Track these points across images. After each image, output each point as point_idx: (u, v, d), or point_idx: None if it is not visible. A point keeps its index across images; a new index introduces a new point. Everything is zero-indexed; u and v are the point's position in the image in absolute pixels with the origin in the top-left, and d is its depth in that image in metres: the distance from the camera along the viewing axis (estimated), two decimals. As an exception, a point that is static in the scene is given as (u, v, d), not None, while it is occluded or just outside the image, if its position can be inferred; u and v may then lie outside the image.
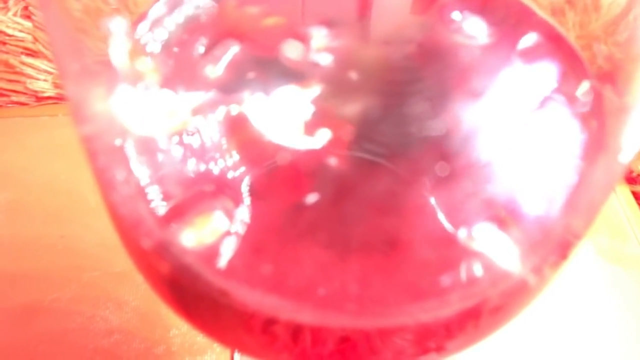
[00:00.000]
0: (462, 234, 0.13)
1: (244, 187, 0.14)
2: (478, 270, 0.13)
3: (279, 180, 0.14)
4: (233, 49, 0.15)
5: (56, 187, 0.36)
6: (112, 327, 0.31)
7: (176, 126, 0.14)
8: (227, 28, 0.16)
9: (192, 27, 0.16)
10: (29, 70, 0.40)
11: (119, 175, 0.12)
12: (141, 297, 0.32)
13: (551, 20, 0.16)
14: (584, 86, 0.15)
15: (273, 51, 0.16)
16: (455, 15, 0.16)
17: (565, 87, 0.15)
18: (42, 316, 0.31)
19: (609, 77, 0.15)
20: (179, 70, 0.15)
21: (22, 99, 0.40)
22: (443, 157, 0.14)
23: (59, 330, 0.31)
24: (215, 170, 0.14)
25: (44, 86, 0.40)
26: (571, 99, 0.15)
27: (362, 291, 0.13)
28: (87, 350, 0.30)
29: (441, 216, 0.13)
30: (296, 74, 0.15)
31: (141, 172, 0.13)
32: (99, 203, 0.36)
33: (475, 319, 0.14)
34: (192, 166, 0.14)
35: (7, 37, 0.41)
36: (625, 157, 0.13)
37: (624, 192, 0.36)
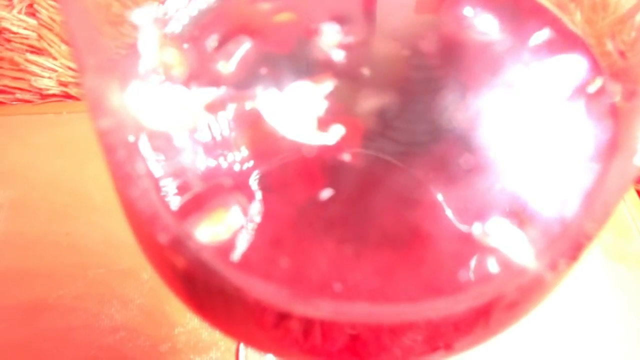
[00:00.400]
0: (476, 230, 0.13)
1: (258, 183, 0.14)
2: (493, 266, 0.13)
3: (292, 176, 0.14)
4: (245, 45, 0.16)
5: (61, 185, 0.36)
6: (117, 325, 0.31)
7: (190, 122, 0.14)
8: (239, 24, 0.16)
9: (204, 23, 0.16)
10: (34, 68, 0.40)
11: (138, 169, 0.12)
12: (146, 295, 0.32)
13: (564, 17, 0.16)
14: (597, 84, 0.15)
15: (285, 47, 0.16)
16: (467, 11, 0.16)
17: (579, 86, 0.15)
18: (47, 313, 0.31)
19: (623, 75, 0.15)
20: (192, 66, 0.15)
21: (27, 96, 0.40)
22: (455, 155, 0.14)
23: (64, 327, 0.31)
24: (230, 166, 0.14)
25: (49, 84, 0.40)
26: (586, 98, 0.15)
27: (376, 287, 0.13)
28: (92, 347, 0.30)
29: (454, 213, 0.13)
30: (309, 70, 0.15)
31: (157, 167, 0.13)
32: (104, 200, 0.36)
33: (486, 316, 0.14)
34: (207, 162, 0.14)
35: (11, 35, 0.41)
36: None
37: (629, 191, 0.36)
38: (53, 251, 0.33)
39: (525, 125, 0.15)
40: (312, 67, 0.15)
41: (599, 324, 0.31)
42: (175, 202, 0.13)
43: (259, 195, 0.14)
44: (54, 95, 0.40)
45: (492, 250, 0.13)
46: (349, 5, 0.17)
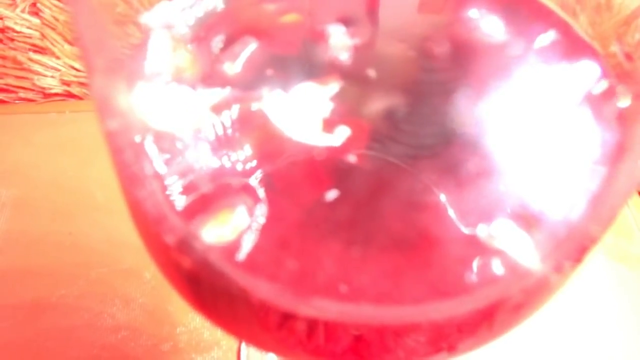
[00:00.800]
0: (482, 232, 0.13)
1: (264, 184, 0.14)
2: (498, 268, 0.13)
3: (298, 177, 0.14)
4: (251, 46, 0.16)
5: (63, 184, 0.36)
6: (119, 324, 0.31)
7: (197, 123, 0.14)
8: (245, 25, 0.16)
9: (210, 24, 0.16)
10: (37, 67, 0.40)
11: (144, 170, 0.12)
12: (148, 295, 0.32)
13: (569, 19, 0.16)
14: (603, 86, 0.15)
15: (291, 48, 0.16)
16: (473, 13, 0.16)
17: (584, 87, 0.15)
18: (50, 312, 0.31)
19: (628, 77, 0.15)
20: (199, 67, 0.15)
21: (30, 95, 0.40)
22: (462, 157, 0.14)
23: (66, 326, 0.31)
24: (236, 167, 0.14)
25: (52, 83, 0.40)
26: (589, 99, 0.15)
27: (382, 289, 0.13)
28: (94, 346, 0.30)
29: (460, 215, 0.13)
30: (314, 71, 0.15)
31: (164, 168, 0.13)
32: (107, 200, 0.36)
33: (490, 318, 0.14)
34: (213, 162, 0.14)
35: (15, 34, 0.41)
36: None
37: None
38: (56, 250, 0.33)
39: (531, 128, 0.15)
40: (317, 68, 0.15)
41: (601, 324, 0.31)
42: (181, 202, 0.13)
43: (264, 196, 0.14)
44: (56, 94, 0.40)
45: (497, 253, 0.13)
46: (355, 6, 0.17)
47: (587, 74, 0.15)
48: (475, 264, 0.13)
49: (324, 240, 0.13)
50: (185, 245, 0.12)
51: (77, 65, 0.40)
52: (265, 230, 0.13)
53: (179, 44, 0.15)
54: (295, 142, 0.14)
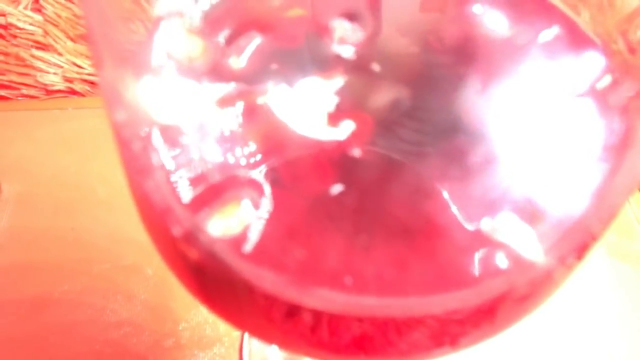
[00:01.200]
0: (485, 225, 0.13)
1: (269, 177, 0.14)
2: (502, 261, 0.13)
3: (303, 170, 0.14)
4: (256, 41, 0.16)
5: (66, 180, 0.36)
6: (122, 320, 0.31)
7: (203, 116, 0.14)
8: (250, 20, 0.16)
9: (215, 19, 0.16)
10: (39, 64, 0.40)
11: (152, 162, 0.13)
12: (150, 290, 0.32)
13: (572, 15, 0.16)
14: (606, 81, 0.15)
15: (296, 43, 0.16)
16: (476, 8, 0.16)
17: (587, 82, 0.15)
18: (52, 308, 0.32)
19: (632, 72, 0.15)
20: (205, 61, 0.15)
21: (32, 92, 0.40)
22: (465, 151, 0.14)
23: (69, 322, 0.31)
24: (241, 160, 0.14)
25: (54, 79, 0.40)
26: (593, 94, 0.15)
27: (386, 281, 0.13)
28: (96, 342, 0.31)
29: (464, 209, 0.14)
30: (319, 66, 0.15)
31: (171, 160, 0.13)
32: (109, 196, 0.36)
33: (493, 312, 0.14)
34: (219, 156, 0.14)
35: (17, 30, 0.41)
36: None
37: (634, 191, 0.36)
38: (58, 246, 0.34)
39: (535, 122, 0.15)
40: (322, 62, 0.16)
41: (602, 322, 0.31)
42: (188, 195, 0.13)
43: (269, 189, 0.14)
44: (59, 91, 0.40)
45: (501, 246, 0.13)
46: (359, 1, 0.17)
47: (591, 69, 0.15)
48: (479, 257, 0.13)
49: (328, 233, 0.14)
50: (192, 237, 0.13)
51: (79, 62, 0.40)
52: (270, 222, 0.13)
53: (186, 38, 0.15)
54: (300, 136, 0.14)
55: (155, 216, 0.13)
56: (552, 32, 0.16)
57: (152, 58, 0.14)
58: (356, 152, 0.14)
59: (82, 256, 0.33)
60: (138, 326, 0.31)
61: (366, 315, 0.13)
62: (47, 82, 0.40)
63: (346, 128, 0.14)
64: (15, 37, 0.41)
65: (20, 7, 0.42)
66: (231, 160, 0.14)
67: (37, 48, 0.41)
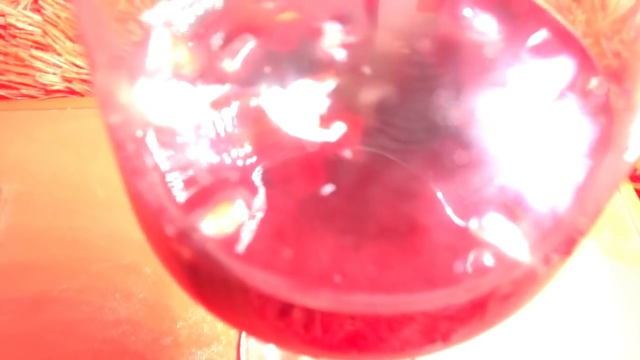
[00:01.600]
0: (472, 224, 0.13)
1: (261, 177, 0.14)
2: (488, 259, 0.13)
3: (295, 171, 0.15)
4: (250, 44, 0.16)
5: (65, 180, 0.36)
6: (120, 318, 0.31)
7: (196, 118, 0.14)
8: (244, 23, 0.16)
9: (209, 22, 0.16)
10: (39, 64, 0.40)
11: (146, 163, 0.13)
12: (149, 289, 0.32)
13: (560, 18, 0.16)
14: (593, 83, 0.15)
15: (289, 46, 0.16)
16: (467, 12, 0.17)
17: (574, 84, 0.15)
18: (51, 306, 0.32)
19: (617, 75, 0.15)
20: (199, 64, 0.15)
21: (32, 92, 0.40)
22: (453, 151, 0.15)
23: (68, 320, 0.31)
24: (234, 161, 0.14)
25: (53, 80, 0.40)
26: (580, 96, 0.15)
27: (375, 279, 0.13)
28: (95, 340, 0.31)
29: (451, 208, 0.14)
30: (311, 68, 0.16)
31: (164, 161, 0.13)
32: (108, 195, 0.36)
33: (481, 309, 0.14)
34: (212, 157, 0.14)
35: (17, 31, 0.41)
36: (631, 155, 0.13)
37: (627, 190, 0.36)
38: (57, 245, 0.34)
39: (520, 123, 0.15)
40: (314, 65, 0.16)
41: (598, 322, 0.31)
42: (181, 195, 0.13)
43: (262, 189, 0.14)
44: (58, 91, 0.40)
45: (487, 244, 0.13)
46: (352, 4, 0.17)
47: (576, 71, 0.16)
48: (465, 255, 0.13)
49: (319, 233, 0.14)
50: (185, 236, 0.13)
51: (78, 62, 0.41)
52: (262, 223, 0.13)
53: (179, 41, 0.15)
54: (292, 137, 0.15)
55: (150, 216, 0.13)
56: (540, 35, 0.16)
57: (146, 61, 0.15)
58: (347, 153, 0.14)
59: (81, 255, 0.33)
60: (136, 324, 0.32)
61: (357, 312, 0.13)
62: (46, 82, 0.40)
63: (337, 130, 0.15)
64: (14, 37, 0.41)
65: (20, 8, 0.42)
66: (224, 161, 0.14)
67: (36, 48, 0.41)
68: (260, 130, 0.15)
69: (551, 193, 0.14)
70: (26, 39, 0.41)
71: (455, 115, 0.15)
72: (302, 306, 0.13)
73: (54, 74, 0.40)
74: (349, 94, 0.15)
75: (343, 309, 0.13)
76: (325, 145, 0.15)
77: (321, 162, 0.14)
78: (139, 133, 0.13)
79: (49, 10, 0.42)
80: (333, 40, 0.16)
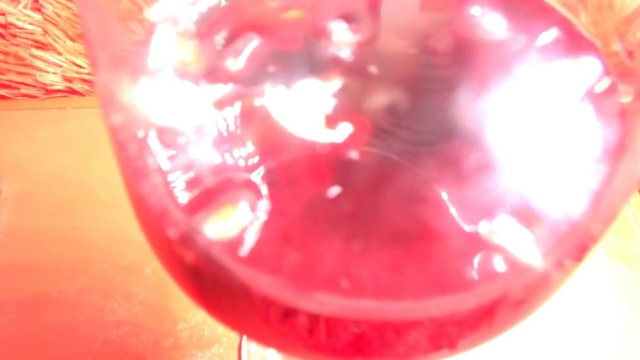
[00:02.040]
0: (483, 229, 0.13)
1: (266, 179, 0.14)
2: (499, 264, 0.13)
3: (300, 173, 0.14)
4: (254, 42, 0.16)
5: (65, 180, 0.36)
6: (121, 319, 0.31)
7: (200, 118, 0.14)
8: (248, 21, 0.16)
9: (213, 20, 0.16)
10: (39, 63, 0.40)
11: (148, 164, 0.12)
12: (149, 290, 0.32)
13: (571, 17, 0.16)
14: (604, 84, 0.15)
15: (293, 44, 0.16)
16: (475, 10, 0.16)
17: (585, 85, 0.15)
18: (51, 307, 0.32)
19: (630, 75, 0.15)
20: (202, 62, 0.15)
21: (32, 91, 0.40)
22: (463, 154, 0.14)
23: (68, 321, 0.31)
24: (238, 162, 0.14)
25: (54, 79, 0.40)
26: (593, 98, 0.15)
27: (383, 284, 0.13)
28: (95, 341, 0.31)
29: (461, 212, 0.13)
30: (316, 68, 0.15)
31: (167, 162, 0.13)
32: (108, 195, 0.36)
33: (491, 315, 0.14)
34: (216, 158, 0.14)
35: (17, 30, 0.41)
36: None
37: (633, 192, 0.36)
38: (57, 246, 0.34)
39: (533, 125, 0.15)
40: (320, 64, 0.15)
41: (601, 324, 0.31)
42: (184, 197, 0.13)
43: (266, 191, 0.14)
44: (58, 90, 0.40)
45: (498, 249, 0.13)
46: (357, 3, 0.17)
47: (589, 72, 0.15)
48: (476, 260, 0.13)
49: (325, 236, 0.14)
50: (188, 239, 0.12)
51: (79, 62, 0.40)
52: (267, 225, 0.13)
53: (183, 40, 0.15)
54: (297, 138, 0.14)
55: (152, 218, 0.13)
56: (550, 34, 0.16)
57: (148, 60, 0.14)
58: (353, 155, 0.14)
59: (81, 256, 0.33)
60: (137, 326, 0.31)
61: (363, 318, 0.13)
62: (46, 82, 0.40)
63: (344, 130, 0.14)
64: (14, 36, 0.41)
65: (20, 7, 0.42)
66: (228, 162, 0.14)
67: (37, 47, 0.41)
68: (264, 130, 0.14)
69: (565, 198, 0.14)
70: (26, 38, 0.41)
71: (466, 117, 0.15)
72: (307, 311, 0.13)
73: (54, 73, 0.40)
74: (355, 94, 0.15)
75: (349, 314, 0.13)
76: (331, 146, 0.14)
77: (327, 163, 0.14)
78: (141, 133, 0.13)
79: (49, 9, 0.42)
80: (339, 39, 0.16)
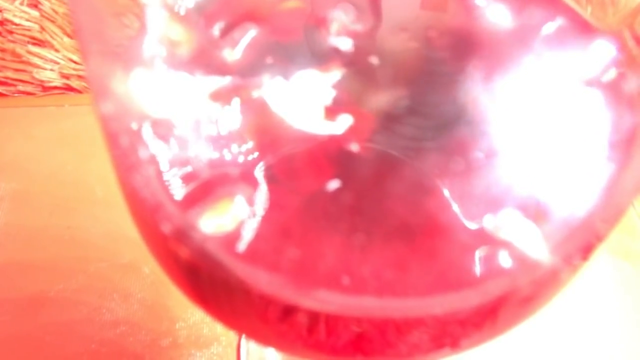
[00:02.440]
0: (488, 223, 0.13)
1: (264, 173, 0.13)
2: (505, 260, 0.12)
3: (299, 166, 0.14)
4: (251, 33, 0.15)
5: (63, 178, 0.36)
6: (118, 319, 0.31)
7: (195, 110, 0.14)
8: (245, 11, 0.16)
9: (210, 10, 0.16)
10: (36, 60, 0.40)
11: (141, 157, 0.12)
12: (147, 289, 0.32)
13: (577, 7, 0.16)
14: (612, 73, 0.14)
15: (292, 35, 0.15)
16: (478, 1, 0.16)
17: (592, 75, 0.15)
18: (48, 306, 0.31)
19: (638, 64, 0.14)
20: (197, 51, 0.15)
21: (29, 88, 0.39)
22: (466, 148, 0.14)
23: (65, 320, 0.31)
24: (235, 155, 0.14)
25: (51, 76, 0.40)
26: (599, 87, 0.14)
27: (385, 281, 0.13)
28: (92, 341, 0.30)
29: (466, 207, 0.13)
30: (316, 59, 0.15)
31: (161, 155, 0.13)
32: (106, 194, 0.36)
33: (495, 313, 0.14)
34: (212, 151, 0.13)
35: (14, 26, 0.41)
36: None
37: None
38: (54, 244, 0.33)
39: (539, 118, 0.15)
40: (319, 55, 0.15)
41: (603, 321, 0.31)
42: (179, 191, 0.13)
43: (264, 185, 0.13)
44: (55, 87, 0.40)
45: (504, 244, 0.13)
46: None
47: (596, 62, 0.15)
48: (481, 256, 0.13)
49: (325, 232, 0.13)
50: (183, 234, 0.12)
51: (76, 58, 0.40)
52: (265, 220, 0.13)
53: (178, 29, 0.15)
54: (296, 131, 0.14)
55: (145, 213, 0.13)
56: (556, 24, 0.15)
57: (142, 49, 0.14)
58: (354, 148, 0.14)
59: (79, 255, 0.33)
60: (135, 325, 0.31)
61: (364, 316, 0.13)
62: (43, 79, 0.39)
63: (344, 122, 0.14)
64: (11, 33, 0.41)
65: (17, 3, 0.42)
66: (225, 155, 0.13)
67: (34, 44, 0.40)
68: (262, 123, 0.14)
69: (572, 192, 0.13)
70: (23, 35, 0.41)
71: (471, 109, 0.14)
72: (306, 309, 0.13)
73: (51, 70, 0.40)
74: (355, 85, 0.15)
75: (350, 312, 0.13)
76: (331, 139, 0.14)
77: (327, 156, 0.14)
78: (135, 125, 0.13)
79: (46, 6, 0.41)
80: (339, 30, 0.15)
